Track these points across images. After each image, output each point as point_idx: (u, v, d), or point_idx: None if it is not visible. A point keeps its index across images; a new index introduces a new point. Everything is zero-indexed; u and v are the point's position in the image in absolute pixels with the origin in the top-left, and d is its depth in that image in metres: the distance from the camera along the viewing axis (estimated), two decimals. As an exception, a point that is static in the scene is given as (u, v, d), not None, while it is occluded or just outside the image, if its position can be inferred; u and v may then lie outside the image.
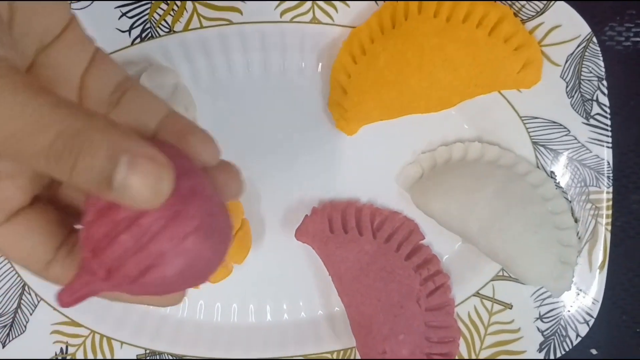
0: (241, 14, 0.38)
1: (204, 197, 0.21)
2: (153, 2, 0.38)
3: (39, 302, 0.41)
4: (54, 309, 0.41)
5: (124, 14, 0.38)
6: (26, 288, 0.41)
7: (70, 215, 0.25)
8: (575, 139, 0.39)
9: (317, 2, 0.38)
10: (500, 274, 0.41)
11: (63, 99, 0.20)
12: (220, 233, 0.22)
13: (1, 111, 0.18)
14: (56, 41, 0.23)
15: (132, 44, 0.39)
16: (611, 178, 0.39)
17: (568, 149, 0.39)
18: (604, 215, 0.39)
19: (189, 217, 0.20)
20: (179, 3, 0.38)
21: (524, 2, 0.37)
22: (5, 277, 0.40)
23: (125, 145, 0.18)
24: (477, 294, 0.41)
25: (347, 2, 0.38)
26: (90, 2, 0.37)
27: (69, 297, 0.21)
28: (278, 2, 0.38)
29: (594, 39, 0.37)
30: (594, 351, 0.43)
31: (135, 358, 0.42)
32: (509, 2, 0.37)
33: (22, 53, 0.22)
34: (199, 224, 0.21)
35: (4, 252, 0.24)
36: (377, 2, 0.38)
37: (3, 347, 0.41)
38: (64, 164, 0.19)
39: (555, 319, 0.40)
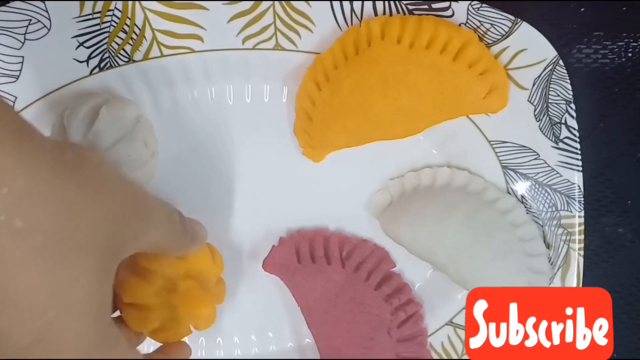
0: (202, 41, 0.38)
1: None
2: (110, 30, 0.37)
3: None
4: None
5: (81, 44, 0.37)
6: None
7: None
8: (545, 162, 0.38)
9: (279, 28, 0.37)
10: (474, 301, 0.40)
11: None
12: None
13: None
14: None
15: (91, 73, 0.38)
16: (582, 202, 0.38)
17: (538, 173, 0.38)
18: (577, 240, 0.38)
19: None
20: (137, 31, 0.37)
21: (489, 25, 0.36)
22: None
23: None
24: (450, 323, 0.40)
25: (310, 27, 0.37)
26: (47, 31, 0.36)
27: None
28: (240, 29, 0.37)
29: (561, 62, 0.36)
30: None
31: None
32: (475, 21, 0.36)
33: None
34: None
35: None
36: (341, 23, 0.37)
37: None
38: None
39: (530, 346, 0.39)
